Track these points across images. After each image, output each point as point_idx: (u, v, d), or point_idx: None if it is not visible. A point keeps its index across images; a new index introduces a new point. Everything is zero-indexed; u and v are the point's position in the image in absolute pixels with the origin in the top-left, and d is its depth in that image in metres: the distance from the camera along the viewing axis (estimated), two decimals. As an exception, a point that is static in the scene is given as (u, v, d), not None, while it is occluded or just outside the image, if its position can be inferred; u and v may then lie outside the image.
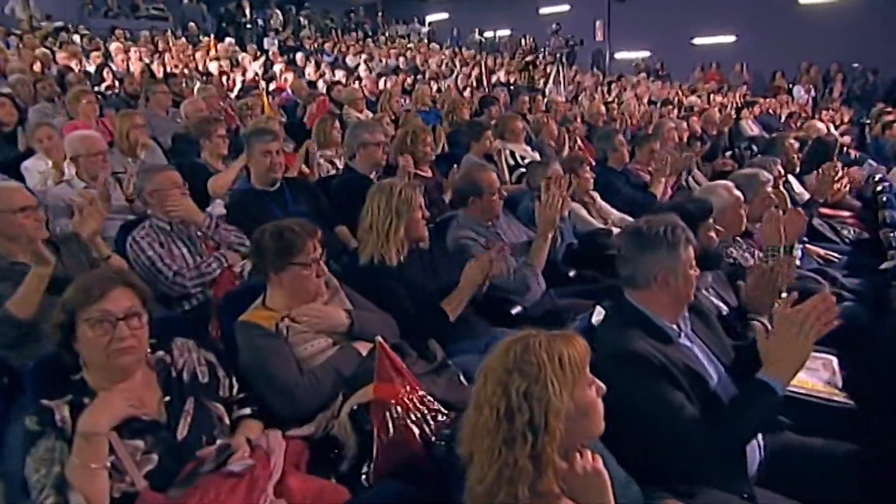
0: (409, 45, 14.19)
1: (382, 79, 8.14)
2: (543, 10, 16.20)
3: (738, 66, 13.22)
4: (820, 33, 12.51)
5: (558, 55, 9.26)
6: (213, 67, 7.91)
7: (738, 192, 2.81)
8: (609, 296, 2.82)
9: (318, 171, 4.00)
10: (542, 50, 9.64)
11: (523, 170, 4.54)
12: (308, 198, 3.03)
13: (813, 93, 12.51)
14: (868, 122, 8.87)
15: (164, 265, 2.42)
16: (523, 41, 12.12)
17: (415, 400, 1.67)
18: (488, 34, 17.37)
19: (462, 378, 1.97)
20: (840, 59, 12.61)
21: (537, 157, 4.74)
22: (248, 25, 13.10)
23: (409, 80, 8.74)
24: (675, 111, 8.19)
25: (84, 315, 1.39)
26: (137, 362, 1.47)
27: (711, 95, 9.79)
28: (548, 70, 9.92)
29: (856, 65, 12.47)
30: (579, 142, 5.13)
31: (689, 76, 14.02)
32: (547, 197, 2.59)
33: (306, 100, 5.49)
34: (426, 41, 16.22)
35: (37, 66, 6.89)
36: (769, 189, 3.20)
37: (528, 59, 9.77)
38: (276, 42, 13.15)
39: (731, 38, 14.07)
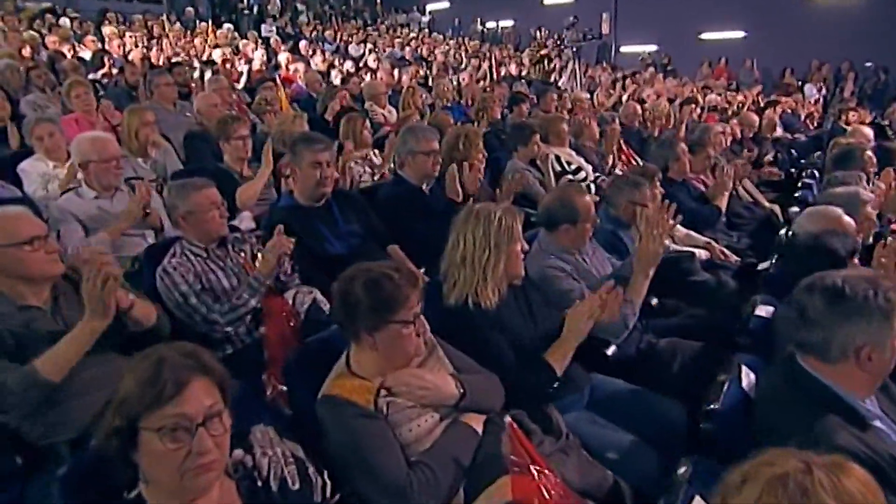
0: (412, 35, 13.71)
1: (395, 70, 7.67)
2: (548, 1, 15.78)
3: (749, 63, 12.92)
4: (831, 31, 12.29)
5: (574, 49, 8.86)
6: (216, 55, 7.41)
7: (848, 218, 2.47)
8: (711, 334, 2.54)
9: (349, 175, 3.60)
10: (560, 43, 9.23)
11: (570, 177, 4.19)
12: (358, 214, 2.63)
13: (824, 91, 12.33)
14: (886, 122, 8.66)
15: (201, 301, 2.02)
16: (538, 34, 11.69)
17: (557, 493, 1.30)
18: (490, 24, 16.93)
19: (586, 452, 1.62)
20: (851, 57, 12.41)
21: (583, 162, 4.39)
22: (246, 11, 12.52)
23: (421, 72, 8.30)
24: (698, 111, 7.85)
25: (151, 421, 1.01)
26: (217, 477, 1.08)
27: (730, 94, 9.45)
28: (560, 64, 9.54)
29: (869, 63, 12.26)
30: (624, 147, 4.77)
31: (696, 72, 13.76)
32: (650, 228, 2.21)
33: (326, 94, 5.05)
34: (427, 31, 15.74)
35: (26, 51, 6.36)
36: (870, 209, 2.87)
37: (543, 52, 9.37)
38: (275, 29, 12.62)
39: (739, 34, 13.78)
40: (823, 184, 3.54)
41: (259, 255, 2.21)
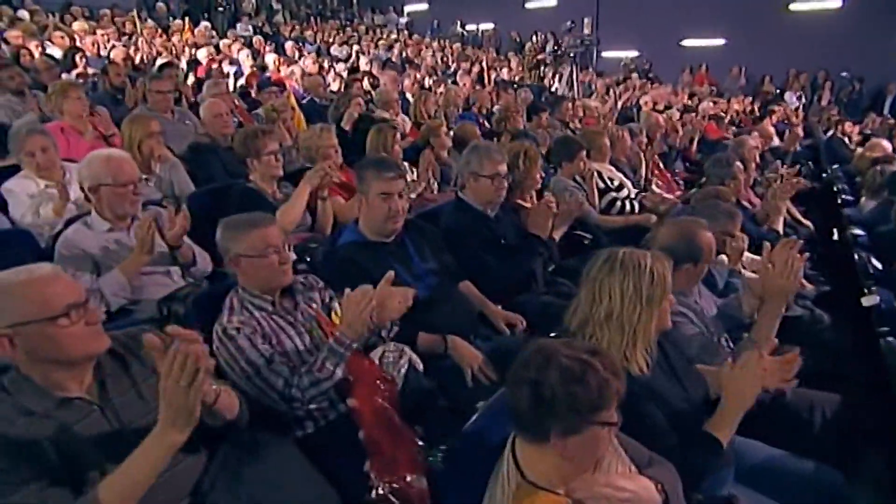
0: (393, 37, 13.30)
1: (390, 73, 7.27)
2: (529, 5, 15.62)
3: (737, 70, 13.02)
4: (808, 40, 12.52)
5: (572, 55, 8.65)
6: (201, 55, 6.86)
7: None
8: (835, 382, 2.29)
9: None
10: (557, 48, 9.01)
11: (614, 194, 3.91)
12: (433, 248, 2.26)
13: (804, 100, 12.52)
14: (870, 132, 8.74)
15: (276, 373, 1.62)
16: (534, 38, 11.44)
17: None
18: (470, 27, 16.64)
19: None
20: (827, 66, 12.67)
21: (624, 178, 4.11)
22: (220, 8, 11.89)
23: (417, 76, 7.93)
24: (698, 118, 7.73)
25: None
26: None
27: (730, 101, 9.41)
28: (556, 70, 9.31)
29: (844, 73, 12.51)
30: (661, 162, 4.52)
31: (677, 77, 13.82)
32: (783, 262, 1.95)
33: (341, 101, 4.62)
34: (406, 32, 15.35)
35: (-12, 48, 5.73)
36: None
37: (540, 57, 9.11)
38: (251, 28, 12.03)
39: (720, 42, 13.90)
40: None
41: (336, 305, 1.82)
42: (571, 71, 8.73)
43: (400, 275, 2.08)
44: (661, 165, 4.81)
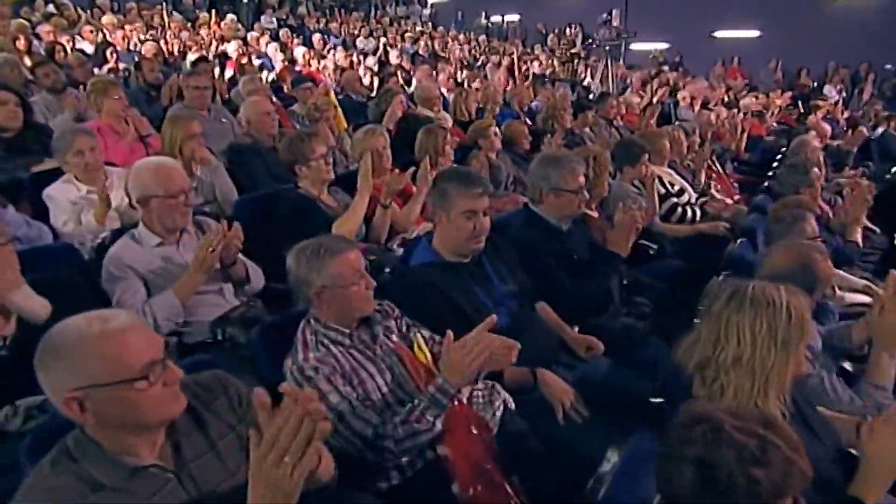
0: (419, 29, 13.08)
1: (424, 68, 7.05)
2: (556, -5, 15.26)
3: (774, 63, 12.62)
4: (848, 32, 12.10)
5: (607, 48, 8.36)
6: (231, 49, 6.70)
7: None
8: None
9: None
10: (591, 41, 8.73)
11: (675, 200, 3.68)
12: (510, 268, 2.07)
13: (844, 93, 12.09)
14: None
15: (363, 420, 1.44)
16: (568, 31, 11.14)
17: None
18: (495, 19, 16.33)
19: None
20: (868, 59, 12.26)
21: (685, 183, 3.88)
22: (245, 0, 11.75)
23: (450, 71, 7.71)
24: (742, 115, 7.41)
25: None
26: None
27: (769, 96, 9.06)
28: (591, 64, 9.04)
29: (889, 66, 12.08)
30: (717, 164, 4.28)
31: (708, 71, 13.44)
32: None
33: (382, 98, 4.43)
34: (430, 24, 15.10)
35: (21, 43, 5.61)
36: None
37: (574, 50, 8.84)
38: (275, 20, 11.88)
39: (754, 34, 13.45)
40: None
41: (418, 336, 1.64)
42: (606, 64, 8.44)
43: (479, 299, 1.91)
44: (720, 167, 4.55)
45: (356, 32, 11.42)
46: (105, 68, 5.62)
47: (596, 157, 2.73)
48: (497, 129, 3.92)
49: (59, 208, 2.69)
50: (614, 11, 15.24)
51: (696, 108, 8.15)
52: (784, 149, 6.82)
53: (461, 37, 12.49)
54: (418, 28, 13.00)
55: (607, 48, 8.35)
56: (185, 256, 2.15)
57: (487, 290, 1.93)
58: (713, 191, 4.15)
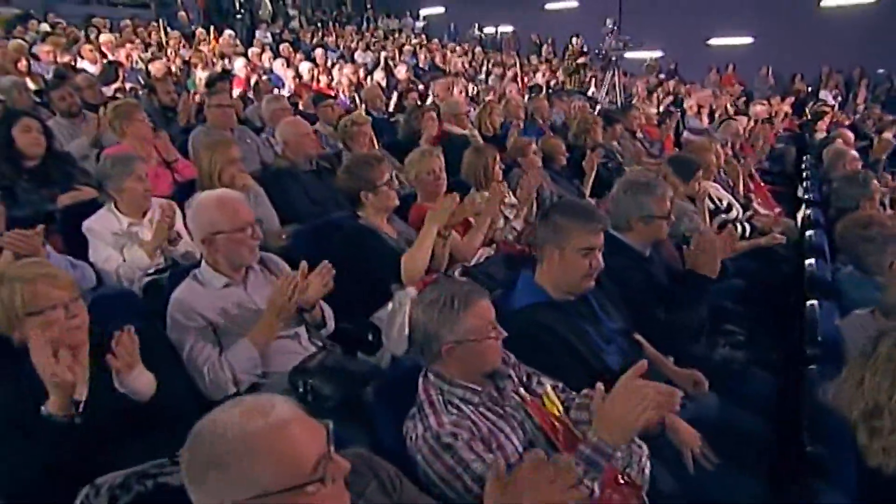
0: (414, 41, 12.99)
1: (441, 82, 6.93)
2: (550, 6, 15.27)
3: (765, 70, 12.72)
4: (841, 37, 12.24)
5: (613, 58, 8.32)
6: (238, 66, 6.52)
7: None
8: None
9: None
10: (598, 52, 8.68)
11: (724, 216, 3.58)
12: (614, 303, 1.93)
13: (840, 98, 12.20)
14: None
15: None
16: (574, 41, 11.10)
17: None
18: (489, 30, 16.32)
19: None
20: (861, 63, 12.40)
21: (731, 198, 3.79)
22: (239, 15, 11.59)
23: (462, 84, 7.60)
24: (752, 124, 7.39)
25: None
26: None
27: (771, 102, 9.08)
28: (597, 74, 9.00)
29: (881, 70, 12.23)
30: (755, 176, 4.20)
31: (703, 78, 13.51)
32: None
33: (411, 116, 4.28)
34: (425, 37, 15.03)
35: (21, 65, 5.39)
36: None
37: (580, 60, 8.79)
38: (270, 35, 11.72)
39: (748, 40, 13.57)
40: None
41: (547, 388, 1.49)
42: (613, 74, 8.40)
43: (592, 339, 1.76)
44: (758, 179, 4.48)
45: (353, 46, 11.30)
46: (112, 88, 5.42)
47: (665, 178, 2.61)
48: (535, 147, 3.80)
49: (102, 242, 2.50)
50: (608, 20, 15.33)
51: (704, 116, 8.15)
52: (793, 156, 6.83)
53: (458, 49, 12.41)
54: (413, 41, 12.89)
55: (613, 58, 8.29)
56: (255, 299, 1.98)
57: (596, 328, 1.79)
58: (755, 204, 4.06)
